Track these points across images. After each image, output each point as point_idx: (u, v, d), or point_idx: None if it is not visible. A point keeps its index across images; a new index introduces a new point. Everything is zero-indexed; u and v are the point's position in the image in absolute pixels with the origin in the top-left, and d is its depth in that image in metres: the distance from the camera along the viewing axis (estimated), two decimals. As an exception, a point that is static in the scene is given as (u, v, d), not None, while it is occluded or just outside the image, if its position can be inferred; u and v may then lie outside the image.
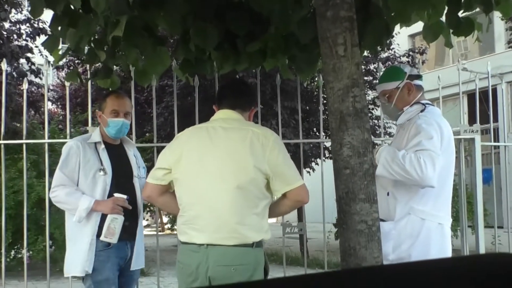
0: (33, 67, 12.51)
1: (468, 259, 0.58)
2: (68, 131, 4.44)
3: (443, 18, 2.91)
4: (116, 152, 3.18)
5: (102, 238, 2.99)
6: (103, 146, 3.13)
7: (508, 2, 2.75)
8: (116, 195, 3.05)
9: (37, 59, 12.56)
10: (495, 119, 14.29)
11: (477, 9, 2.77)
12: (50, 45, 2.83)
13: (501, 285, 0.44)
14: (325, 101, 6.82)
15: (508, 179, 4.82)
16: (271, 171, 2.37)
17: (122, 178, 3.12)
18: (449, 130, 2.81)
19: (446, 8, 2.82)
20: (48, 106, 11.64)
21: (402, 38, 14.06)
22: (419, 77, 2.93)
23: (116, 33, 2.40)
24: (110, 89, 3.37)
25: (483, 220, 4.42)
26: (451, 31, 2.95)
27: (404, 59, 12.61)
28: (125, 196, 3.05)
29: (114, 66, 3.49)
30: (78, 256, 3.02)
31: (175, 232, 17.88)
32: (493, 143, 4.86)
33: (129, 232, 3.12)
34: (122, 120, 3.11)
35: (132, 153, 3.28)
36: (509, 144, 5.08)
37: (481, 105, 4.77)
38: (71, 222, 3.06)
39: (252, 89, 2.86)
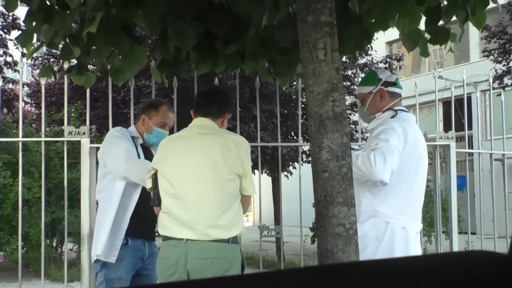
0: (8, 59, 12.30)
1: (447, 256, 0.59)
2: (43, 130, 4.37)
3: (422, 27, 2.96)
4: (146, 152, 3.25)
5: None
6: (141, 141, 3.23)
7: (483, 14, 2.81)
8: None
9: (14, 52, 12.37)
10: (470, 127, 14.55)
11: (453, 19, 2.82)
12: (23, 40, 2.79)
13: (479, 283, 0.44)
14: (303, 105, 6.85)
15: (482, 186, 4.91)
16: (243, 172, 2.62)
17: None
18: (417, 136, 2.85)
19: (425, 17, 2.87)
20: (22, 104, 11.44)
21: (379, 44, 14.24)
22: (394, 84, 2.97)
23: (90, 29, 2.38)
24: (85, 86, 3.36)
25: (457, 226, 4.49)
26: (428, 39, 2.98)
27: (382, 65, 12.76)
28: None
29: (91, 64, 3.45)
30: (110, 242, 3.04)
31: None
32: (467, 150, 4.94)
33: (146, 231, 3.16)
34: (167, 133, 3.24)
35: None
36: (483, 152, 5.17)
37: (456, 113, 4.85)
38: (104, 204, 3.09)
39: (227, 96, 2.98)
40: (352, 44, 2.89)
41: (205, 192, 2.59)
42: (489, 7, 2.80)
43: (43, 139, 4.44)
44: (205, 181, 2.60)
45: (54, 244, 9.53)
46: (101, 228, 3.04)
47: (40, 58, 14.20)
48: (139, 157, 3.12)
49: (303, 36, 2.24)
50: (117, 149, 3.04)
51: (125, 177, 3.02)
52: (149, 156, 3.19)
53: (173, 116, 3.34)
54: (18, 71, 12.39)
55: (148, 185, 2.73)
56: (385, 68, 12.89)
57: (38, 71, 14.81)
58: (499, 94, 5.16)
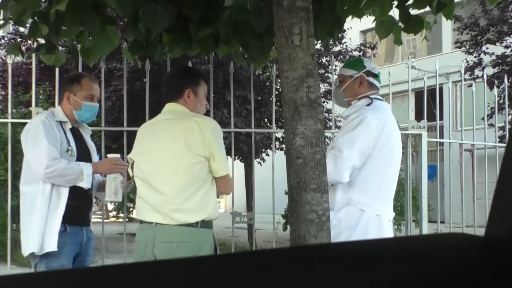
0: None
1: (424, 238, 0.59)
2: (9, 111, 4.24)
3: (396, 16, 2.96)
4: (76, 135, 3.10)
5: (107, 198, 3.05)
6: (70, 126, 3.05)
7: (452, 5, 2.83)
8: (110, 155, 3.11)
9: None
10: (441, 117, 14.79)
11: (427, 9, 2.84)
12: None
13: (455, 265, 0.44)
14: (277, 92, 6.82)
15: (451, 176, 4.98)
16: (210, 153, 2.60)
17: (82, 162, 3.01)
18: (391, 125, 2.88)
19: (398, 5, 2.88)
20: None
21: (354, 33, 14.30)
22: (375, 76, 3.00)
23: (59, 7, 2.29)
24: (55, 65, 3.25)
25: (427, 214, 4.55)
26: (401, 27, 2.99)
27: (356, 53, 12.82)
28: (118, 155, 3.11)
29: (60, 45, 3.35)
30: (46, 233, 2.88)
31: (120, 220, 17.57)
32: (438, 140, 5.00)
33: (83, 217, 3.07)
34: (97, 105, 3.10)
35: (88, 137, 3.24)
36: (454, 141, 5.24)
37: (428, 103, 4.89)
38: (30, 198, 2.91)
39: (180, 73, 2.92)
40: (323, 32, 2.89)
41: (170, 177, 2.60)
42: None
43: (9, 120, 4.31)
44: (169, 166, 2.61)
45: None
46: (30, 223, 2.89)
47: (6, 38, 13.82)
48: (69, 144, 2.97)
49: (278, 21, 2.21)
50: (39, 150, 2.85)
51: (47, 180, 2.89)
52: (79, 139, 3.09)
53: (98, 86, 3.18)
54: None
55: (130, 173, 2.81)
56: (359, 56, 12.97)
57: (4, 51, 14.42)
58: (470, 85, 5.23)
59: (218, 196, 2.80)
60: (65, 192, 2.91)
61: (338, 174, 2.71)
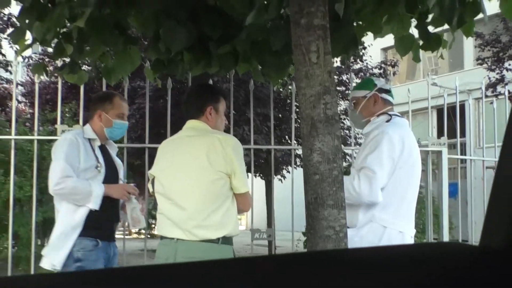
0: (1, 58, 12.26)
1: (417, 247, 0.60)
2: (36, 128, 4.35)
3: (415, 33, 2.98)
4: (103, 152, 3.16)
5: (131, 227, 3.13)
6: (99, 143, 3.12)
7: (471, 22, 2.84)
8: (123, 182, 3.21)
9: (8, 52, 12.33)
10: (463, 134, 14.61)
11: (446, 26, 2.86)
12: (16, 36, 2.77)
13: (448, 274, 0.45)
14: (297, 109, 6.85)
15: (474, 194, 4.93)
16: (231, 170, 2.61)
17: (110, 179, 3.09)
18: (411, 141, 2.89)
19: (417, 23, 2.90)
20: (16, 104, 11.40)
21: (375, 50, 14.30)
22: (388, 92, 3.02)
23: (78, 24, 2.38)
24: (77, 84, 3.34)
25: (448, 233, 4.50)
26: (420, 45, 3.01)
27: (376, 71, 12.81)
28: (134, 184, 3.19)
29: (85, 64, 3.45)
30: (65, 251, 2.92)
31: (142, 236, 17.66)
32: (459, 156, 4.96)
33: (111, 232, 3.13)
34: (126, 123, 3.20)
35: (115, 154, 3.30)
36: (475, 158, 5.19)
37: (449, 120, 4.87)
38: (66, 216, 2.96)
39: (201, 91, 2.93)
40: (338, 48, 2.92)
41: (192, 192, 2.62)
42: (483, 15, 2.83)
43: (35, 137, 4.43)
44: (191, 182, 2.62)
45: (46, 244, 9.48)
46: (69, 235, 2.92)
47: (35, 57, 14.17)
48: (98, 161, 3.03)
49: (296, 39, 2.25)
50: (54, 166, 2.92)
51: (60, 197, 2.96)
52: (107, 156, 3.14)
53: (127, 105, 3.26)
54: (10, 72, 12.41)
55: (150, 189, 2.84)
56: (380, 74, 12.94)
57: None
58: (492, 102, 5.19)
59: (238, 213, 2.80)
60: (83, 211, 2.93)
61: (374, 196, 2.73)
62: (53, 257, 2.92)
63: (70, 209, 2.93)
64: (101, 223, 2.98)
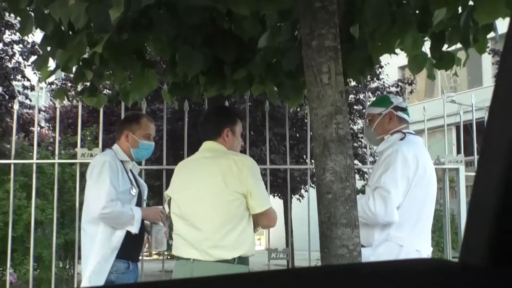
0: (26, 83, 12.56)
1: (397, 264, 0.59)
2: (56, 152, 4.46)
3: (428, 51, 3.01)
4: (132, 174, 3.20)
5: (153, 249, 3.16)
6: (131, 166, 3.15)
7: (484, 40, 2.86)
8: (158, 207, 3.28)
9: (32, 77, 12.64)
10: (483, 151, 14.42)
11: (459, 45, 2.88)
12: (39, 64, 2.87)
13: None
14: (314, 129, 6.86)
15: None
16: (247, 191, 2.62)
17: (138, 200, 3.12)
18: (426, 159, 2.88)
19: (430, 41, 2.93)
20: (39, 129, 11.63)
21: (392, 69, 14.28)
22: (404, 110, 3.02)
23: (96, 49, 2.47)
24: (97, 107, 3.42)
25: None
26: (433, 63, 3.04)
27: (393, 89, 12.79)
28: (160, 207, 3.25)
29: (104, 87, 3.54)
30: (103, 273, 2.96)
31: (160, 257, 17.58)
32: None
33: (138, 254, 3.18)
34: (153, 143, 3.22)
35: (137, 176, 3.32)
36: (494, 175, 5.13)
37: (468, 137, 4.85)
38: (105, 239, 2.97)
39: (219, 112, 2.96)
40: (354, 70, 2.95)
41: (208, 213, 2.64)
42: (501, 32, 2.85)
43: (56, 161, 4.53)
44: (207, 203, 2.64)
45: (67, 266, 9.57)
46: (87, 262, 2.95)
47: (57, 83, 14.47)
48: (132, 183, 3.06)
49: (307, 60, 2.29)
50: (100, 189, 2.91)
51: (101, 220, 2.95)
52: (134, 178, 3.16)
53: (154, 126, 3.27)
54: (30, 99, 12.68)
55: (167, 210, 2.87)
56: (397, 92, 12.91)
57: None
58: (510, 118, 5.13)
59: (263, 228, 2.87)
60: (121, 234, 2.96)
61: (390, 216, 2.73)
62: (95, 281, 2.92)
63: (107, 232, 2.94)
64: (132, 245, 3.02)
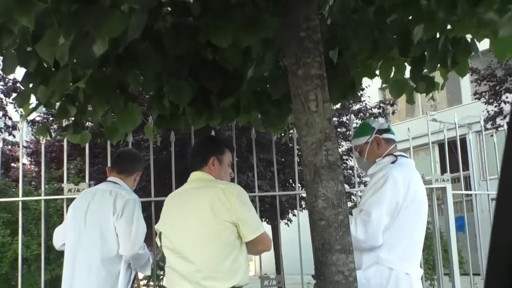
0: (8, 122, 12.45)
1: None
2: (43, 189, 4.39)
3: (408, 75, 3.05)
4: None
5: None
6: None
7: (465, 63, 2.91)
8: None
9: (13, 115, 12.54)
10: (467, 168, 14.61)
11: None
12: (21, 101, 2.83)
13: None
14: (299, 153, 6.91)
15: (482, 227, 4.90)
16: (237, 219, 2.61)
17: None
18: (417, 182, 2.89)
19: (410, 66, 2.98)
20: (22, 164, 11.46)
21: (372, 90, 14.48)
22: (388, 130, 3.04)
23: (79, 85, 2.47)
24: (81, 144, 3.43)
25: (458, 267, 4.46)
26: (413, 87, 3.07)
27: (376, 110, 12.94)
28: None
29: (87, 122, 3.52)
30: None
31: (151, 289, 17.49)
32: (464, 192, 4.97)
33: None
34: None
35: None
36: (480, 193, 5.19)
37: (452, 154, 4.91)
38: (125, 277, 3.13)
39: (206, 142, 3.02)
40: (338, 95, 2.98)
41: (199, 245, 2.62)
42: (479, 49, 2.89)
43: (43, 197, 4.47)
44: (197, 234, 2.63)
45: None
46: None
47: (39, 118, 14.37)
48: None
49: (294, 89, 2.31)
50: (138, 229, 3.07)
51: (128, 260, 3.11)
52: None
53: None
54: (14, 135, 12.57)
55: (158, 243, 2.86)
56: (379, 113, 13.06)
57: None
58: (492, 135, 5.23)
59: (256, 254, 2.94)
60: (132, 272, 3.16)
61: (372, 239, 2.73)
62: None
63: (125, 269, 3.10)
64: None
